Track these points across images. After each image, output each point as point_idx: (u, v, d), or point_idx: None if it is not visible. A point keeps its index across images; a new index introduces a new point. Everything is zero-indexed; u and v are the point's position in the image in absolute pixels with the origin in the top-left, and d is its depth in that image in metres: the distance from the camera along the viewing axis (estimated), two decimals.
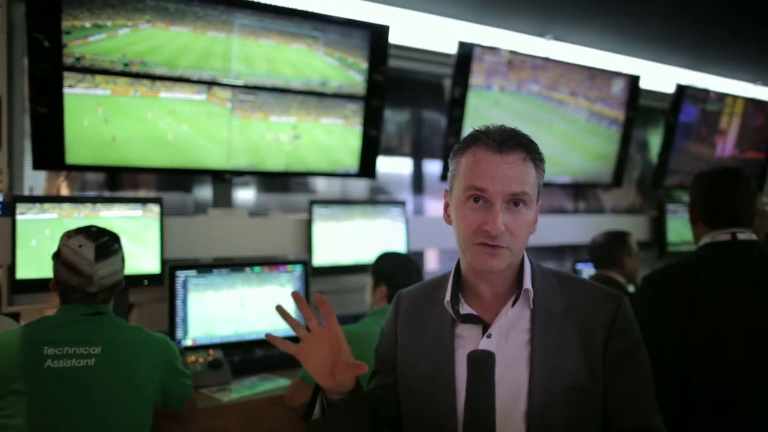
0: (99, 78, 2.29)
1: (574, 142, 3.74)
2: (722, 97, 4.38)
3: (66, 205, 2.19)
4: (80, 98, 2.26)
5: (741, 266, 1.60)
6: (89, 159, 2.32)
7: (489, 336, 1.06)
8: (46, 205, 2.15)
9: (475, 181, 1.02)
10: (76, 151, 2.28)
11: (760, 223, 2.89)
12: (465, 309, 1.09)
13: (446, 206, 1.12)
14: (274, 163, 2.72)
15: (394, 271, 2.03)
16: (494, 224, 0.99)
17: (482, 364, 0.99)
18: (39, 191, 2.51)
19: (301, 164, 2.79)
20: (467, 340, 1.08)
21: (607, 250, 2.71)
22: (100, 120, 2.31)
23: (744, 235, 1.65)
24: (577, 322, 1.06)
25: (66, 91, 2.24)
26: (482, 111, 3.27)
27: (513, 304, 1.06)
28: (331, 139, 2.85)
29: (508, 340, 1.06)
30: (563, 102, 3.62)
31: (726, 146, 4.58)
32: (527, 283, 1.07)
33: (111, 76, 2.31)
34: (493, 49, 3.25)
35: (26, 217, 2.11)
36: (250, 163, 2.66)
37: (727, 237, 1.66)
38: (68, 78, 2.23)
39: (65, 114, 2.24)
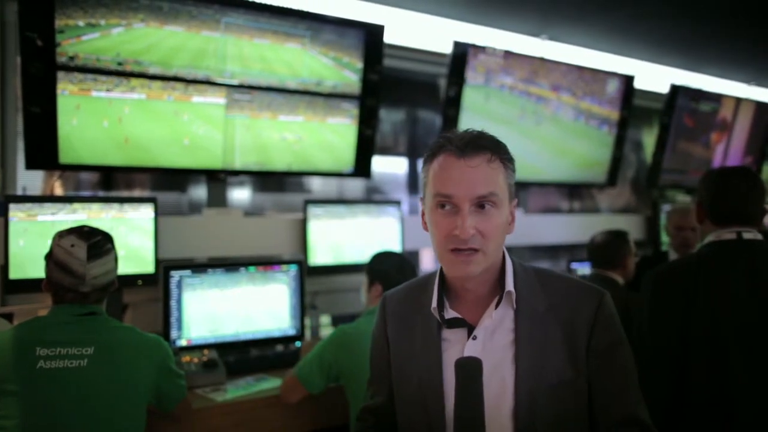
0: (135, 81, 2.34)
1: (563, 149, 3.71)
2: (716, 97, 4.39)
3: (95, 206, 2.23)
4: (111, 101, 2.31)
5: (743, 265, 1.59)
6: (101, 159, 2.34)
7: (474, 338, 1.06)
8: (75, 205, 2.18)
9: (441, 188, 1.02)
10: (87, 152, 2.30)
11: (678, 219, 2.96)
12: (450, 313, 1.09)
13: (422, 213, 1.12)
14: (282, 162, 2.74)
15: (389, 270, 2.03)
16: (463, 228, 0.99)
17: (470, 371, 0.98)
18: (35, 191, 2.50)
19: (306, 163, 2.80)
20: (453, 343, 1.08)
21: (611, 250, 2.65)
22: (115, 121, 2.34)
23: (749, 234, 1.64)
24: (561, 319, 1.06)
25: (100, 95, 2.29)
26: (476, 110, 3.27)
27: (496, 306, 1.06)
28: (338, 138, 2.85)
29: (493, 341, 1.06)
30: (548, 99, 3.59)
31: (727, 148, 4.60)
32: (509, 285, 1.07)
33: (146, 80, 2.36)
34: (487, 49, 3.25)
35: (57, 217, 2.14)
36: (257, 162, 2.67)
37: (732, 236, 1.65)
38: (105, 82, 2.29)
39: (87, 116, 2.27)
